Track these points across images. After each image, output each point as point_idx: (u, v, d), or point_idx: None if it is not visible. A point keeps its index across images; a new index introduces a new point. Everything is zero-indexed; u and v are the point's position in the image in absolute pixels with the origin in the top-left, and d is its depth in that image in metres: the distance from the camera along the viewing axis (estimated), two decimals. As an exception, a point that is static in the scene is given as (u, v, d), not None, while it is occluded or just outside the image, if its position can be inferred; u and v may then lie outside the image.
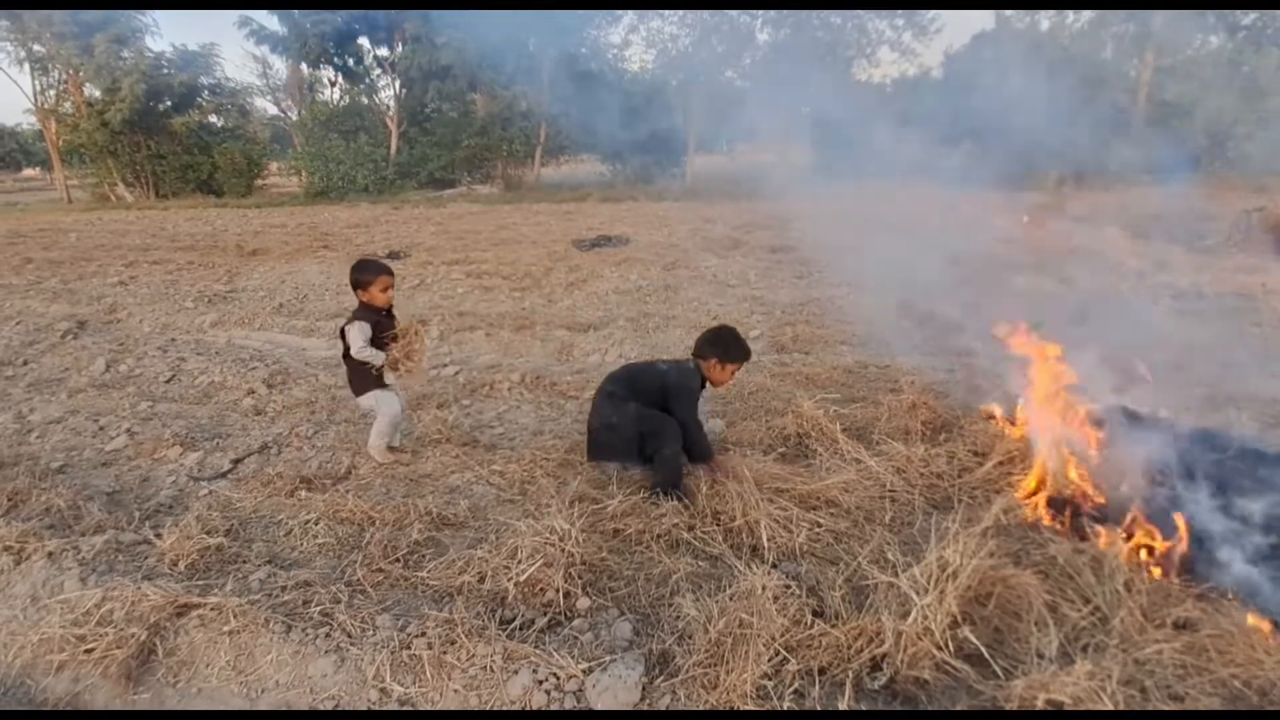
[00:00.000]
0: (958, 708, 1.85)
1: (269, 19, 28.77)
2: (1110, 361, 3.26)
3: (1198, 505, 2.47)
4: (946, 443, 3.26)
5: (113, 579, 2.29)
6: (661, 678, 1.89)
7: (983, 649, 1.94)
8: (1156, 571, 2.29)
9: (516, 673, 1.88)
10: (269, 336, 6.18)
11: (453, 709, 1.86)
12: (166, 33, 73.11)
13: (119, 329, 6.39)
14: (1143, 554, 2.35)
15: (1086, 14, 15.90)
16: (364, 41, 25.47)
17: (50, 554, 2.45)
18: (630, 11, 22.12)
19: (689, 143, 23.49)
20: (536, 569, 2.30)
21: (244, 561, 2.57)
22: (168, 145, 23.79)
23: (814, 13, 19.80)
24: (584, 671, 1.88)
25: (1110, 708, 1.71)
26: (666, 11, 20.94)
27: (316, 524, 2.79)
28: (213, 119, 26.26)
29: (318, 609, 2.19)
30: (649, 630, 2.15)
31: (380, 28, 24.55)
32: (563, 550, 2.37)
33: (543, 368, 4.95)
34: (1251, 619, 2.02)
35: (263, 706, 1.96)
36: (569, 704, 1.82)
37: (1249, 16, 17.25)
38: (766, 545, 2.54)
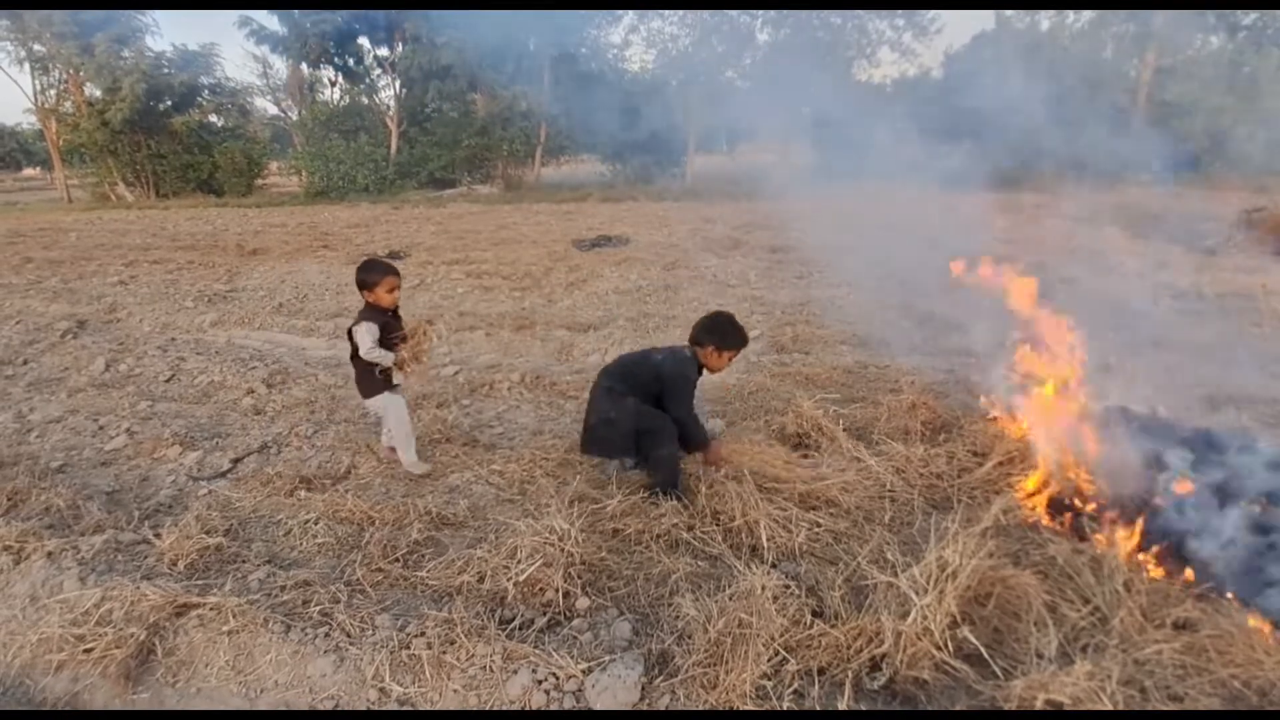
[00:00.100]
0: (957, 708, 1.85)
1: (269, 19, 28.83)
2: (1110, 360, 3.26)
3: (1195, 505, 2.47)
4: (946, 443, 3.26)
5: (112, 579, 2.29)
6: (661, 678, 1.89)
7: (982, 649, 1.94)
8: (1156, 571, 2.29)
9: (516, 673, 1.88)
10: (269, 336, 6.18)
11: (452, 709, 1.86)
12: (167, 32, 73.33)
13: (119, 328, 6.39)
14: (1141, 555, 2.35)
15: (1087, 14, 15.91)
16: (364, 41, 25.52)
17: (49, 554, 2.45)
18: (630, 11, 22.16)
19: (689, 143, 23.50)
20: (536, 569, 2.29)
21: (243, 561, 2.57)
22: (168, 145, 23.80)
23: (814, 13, 19.80)
24: (583, 671, 1.87)
25: (1110, 708, 1.71)
26: (667, 11, 20.96)
27: (316, 524, 2.79)
28: (213, 119, 26.28)
29: (317, 609, 2.19)
30: (648, 630, 2.15)
31: (380, 28, 24.55)
32: (562, 550, 2.37)
33: (542, 367, 4.95)
34: (1251, 620, 2.02)
35: (262, 706, 1.96)
36: (568, 704, 1.82)
37: (1249, 17, 17.26)
38: (766, 545, 2.54)
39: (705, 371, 3.11)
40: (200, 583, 2.37)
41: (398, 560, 2.55)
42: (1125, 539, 2.39)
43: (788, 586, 2.14)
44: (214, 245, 11.72)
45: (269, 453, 3.63)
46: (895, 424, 3.50)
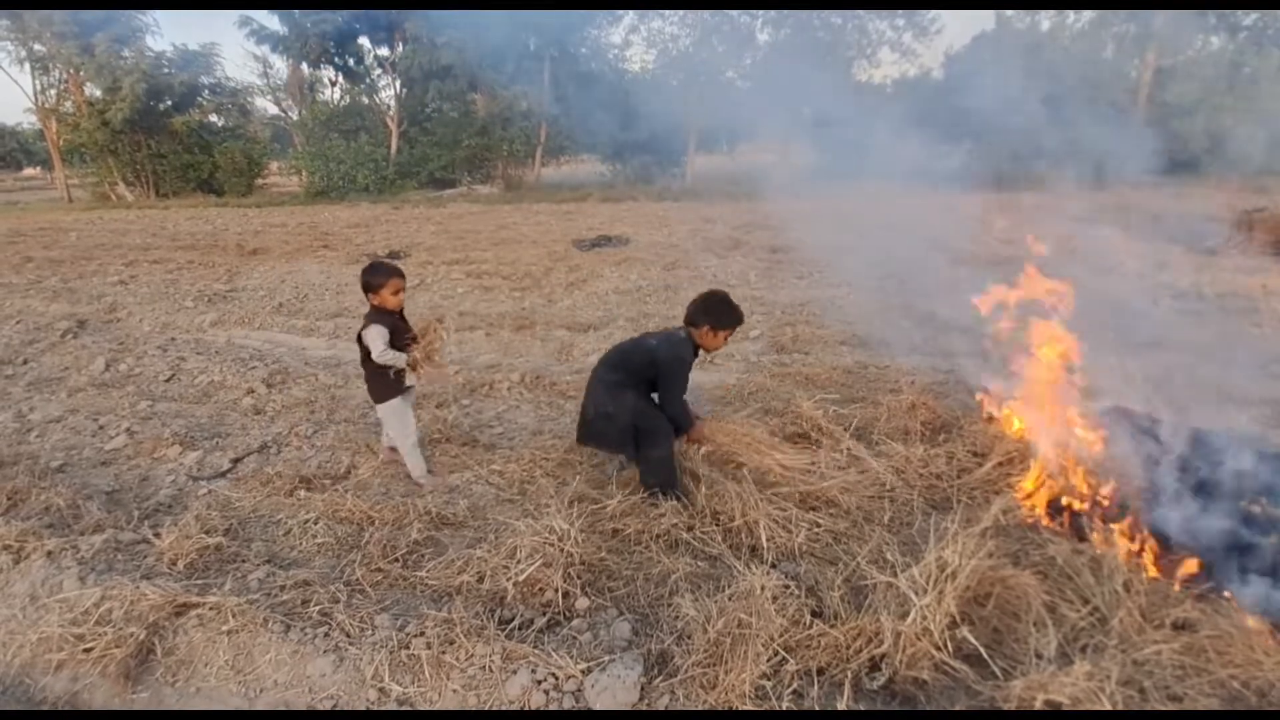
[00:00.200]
0: (956, 708, 1.85)
1: (269, 19, 28.85)
2: (1109, 361, 3.26)
3: (1194, 505, 2.47)
4: (946, 443, 3.26)
5: (112, 578, 2.30)
6: (660, 678, 1.89)
7: (981, 649, 1.94)
8: (1153, 570, 2.29)
9: (515, 673, 1.88)
10: (269, 336, 6.18)
11: (451, 709, 1.86)
12: (167, 32, 73.24)
13: (119, 328, 6.39)
14: (1140, 555, 2.35)
15: (1087, 14, 15.91)
16: (364, 41, 25.51)
17: (49, 553, 2.45)
18: (630, 11, 22.16)
19: (689, 143, 23.49)
20: (535, 569, 2.30)
21: (243, 561, 2.57)
22: (168, 144, 23.80)
23: (814, 13, 19.81)
24: (583, 671, 1.88)
25: (1109, 708, 1.71)
26: (667, 12, 20.96)
27: (315, 523, 2.79)
28: (213, 118, 26.28)
29: (316, 608, 2.19)
30: (648, 630, 2.15)
31: (381, 27, 24.54)
32: (562, 550, 2.37)
33: (542, 367, 4.95)
34: (1251, 620, 2.02)
35: (261, 706, 1.96)
36: (568, 704, 1.82)
37: (1250, 17, 17.26)
38: (765, 545, 2.54)
39: (702, 351, 3.05)
40: (200, 582, 2.37)
41: (397, 560, 2.55)
42: (1123, 539, 2.39)
43: (787, 587, 2.14)
44: (214, 245, 11.72)
45: (269, 452, 3.63)
46: (895, 424, 3.50)
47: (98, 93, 23.12)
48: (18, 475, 3.23)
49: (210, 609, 2.16)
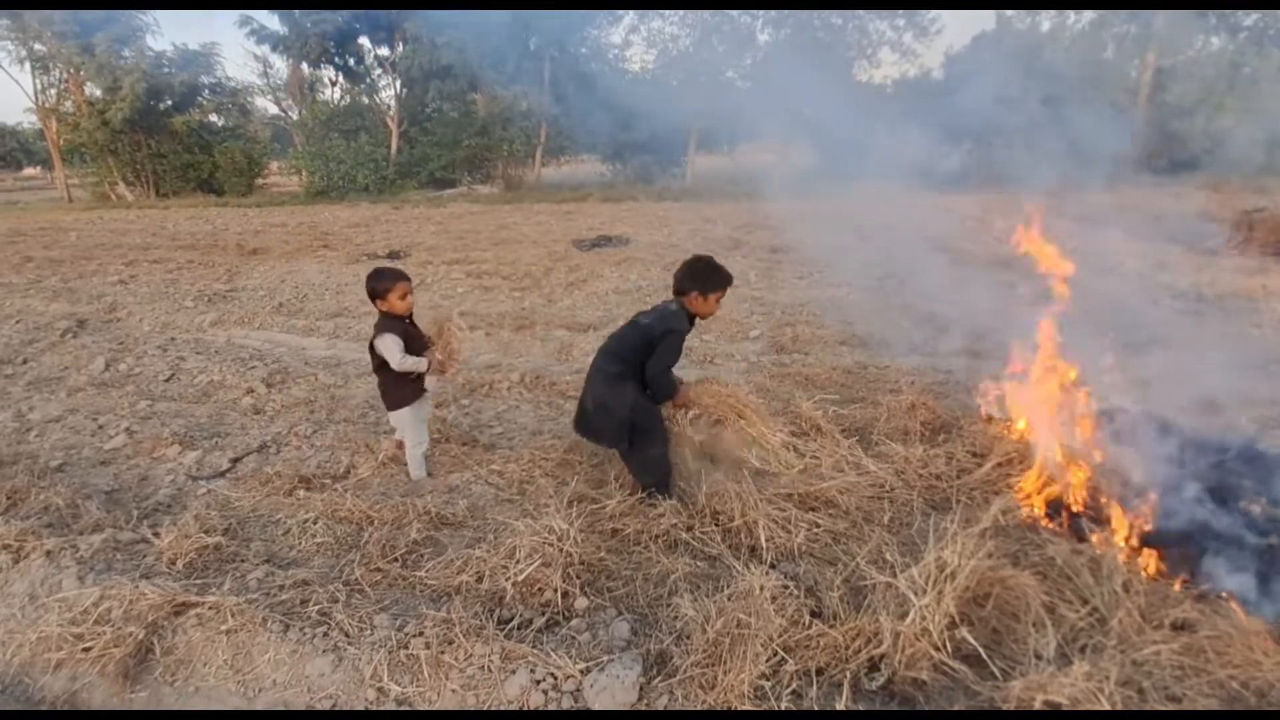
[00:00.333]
0: (955, 708, 1.85)
1: (269, 18, 28.83)
2: (1109, 361, 3.26)
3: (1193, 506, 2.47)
4: (945, 443, 3.26)
5: (111, 578, 2.30)
6: (659, 678, 1.89)
7: (980, 650, 1.94)
8: (1151, 571, 2.29)
9: (514, 672, 1.88)
10: (268, 336, 6.18)
11: (450, 709, 1.86)
12: (167, 32, 73.17)
13: (119, 328, 6.39)
14: (1138, 555, 2.35)
15: (1088, 15, 15.91)
16: (364, 41, 25.51)
17: (48, 552, 2.45)
18: (630, 11, 22.16)
19: (689, 143, 23.50)
20: (535, 569, 2.30)
21: (242, 561, 2.57)
22: (168, 144, 23.79)
23: (814, 13, 19.80)
24: (581, 671, 1.87)
25: (1108, 709, 1.71)
26: (667, 12, 20.97)
27: (315, 523, 2.79)
28: (213, 118, 26.26)
29: (315, 608, 2.19)
30: (647, 630, 2.15)
31: (381, 27, 24.54)
32: (561, 550, 2.37)
33: (542, 367, 4.95)
34: (1250, 621, 2.02)
35: (260, 706, 1.96)
36: (566, 704, 1.82)
37: (1250, 17, 17.25)
38: (765, 545, 2.54)
39: (697, 319, 3.03)
40: (199, 582, 2.37)
41: (396, 560, 2.55)
42: (1122, 539, 2.39)
43: (786, 587, 2.14)
44: (214, 245, 11.72)
45: (268, 452, 3.63)
46: (894, 424, 3.50)
47: (98, 92, 23.12)
48: (17, 475, 3.23)
49: (209, 608, 2.16)
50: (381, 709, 1.88)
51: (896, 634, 1.92)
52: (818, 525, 2.67)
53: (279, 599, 2.26)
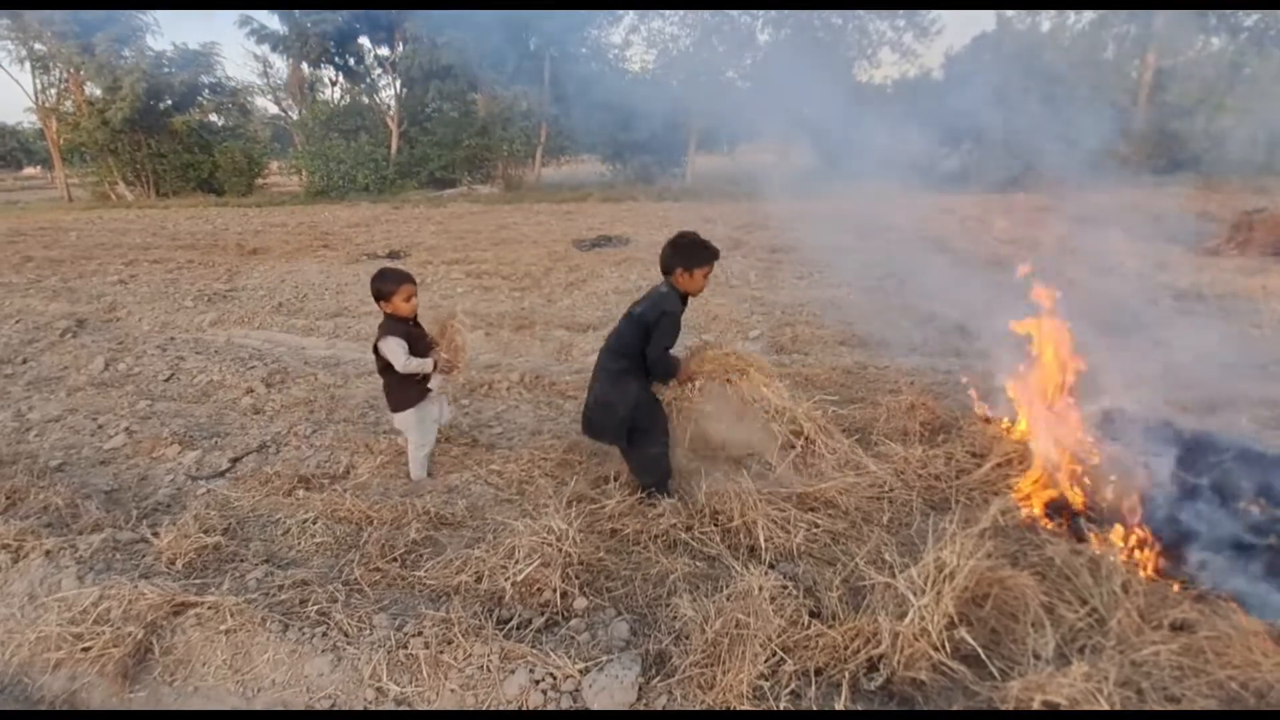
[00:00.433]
0: (954, 708, 1.85)
1: (270, 18, 28.83)
2: (1109, 361, 3.26)
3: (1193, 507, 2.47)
4: (945, 444, 3.26)
5: (110, 577, 2.30)
6: (658, 678, 1.89)
7: (979, 650, 1.94)
8: (1150, 571, 2.29)
9: (513, 672, 1.88)
10: (268, 335, 6.18)
11: (449, 709, 1.86)
12: (167, 32, 73.10)
13: (118, 327, 6.39)
14: (1138, 556, 2.35)
15: (1088, 15, 15.90)
16: (365, 41, 25.51)
17: (48, 552, 2.45)
18: (630, 11, 22.16)
19: (690, 143, 23.49)
20: (534, 569, 2.30)
21: (241, 560, 2.57)
22: (168, 144, 23.79)
23: (815, 13, 19.79)
24: (580, 671, 1.88)
25: (1106, 709, 1.71)
26: (667, 12, 20.96)
27: (314, 523, 2.80)
28: (213, 118, 26.26)
29: (315, 608, 2.20)
30: (646, 630, 2.15)
31: (381, 27, 24.55)
32: (560, 550, 2.37)
33: (542, 367, 4.95)
34: (1249, 621, 2.02)
35: (259, 706, 1.96)
36: (565, 704, 1.82)
37: (1251, 18, 17.25)
38: (764, 545, 2.54)
39: (689, 296, 3.00)
40: (198, 582, 2.37)
41: (395, 560, 2.55)
42: (1121, 540, 2.39)
43: (785, 587, 2.14)
44: (214, 244, 11.72)
45: (267, 452, 3.63)
46: (894, 425, 3.50)
47: (98, 92, 23.11)
48: (16, 474, 3.23)
49: (208, 608, 2.16)
50: (381, 709, 1.88)
51: (895, 634, 1.92)
52: (817, 525, 2.67)
53: (278, 599, 2.26)
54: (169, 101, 23.83)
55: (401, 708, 1.88)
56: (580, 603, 2.26)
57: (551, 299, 7.13)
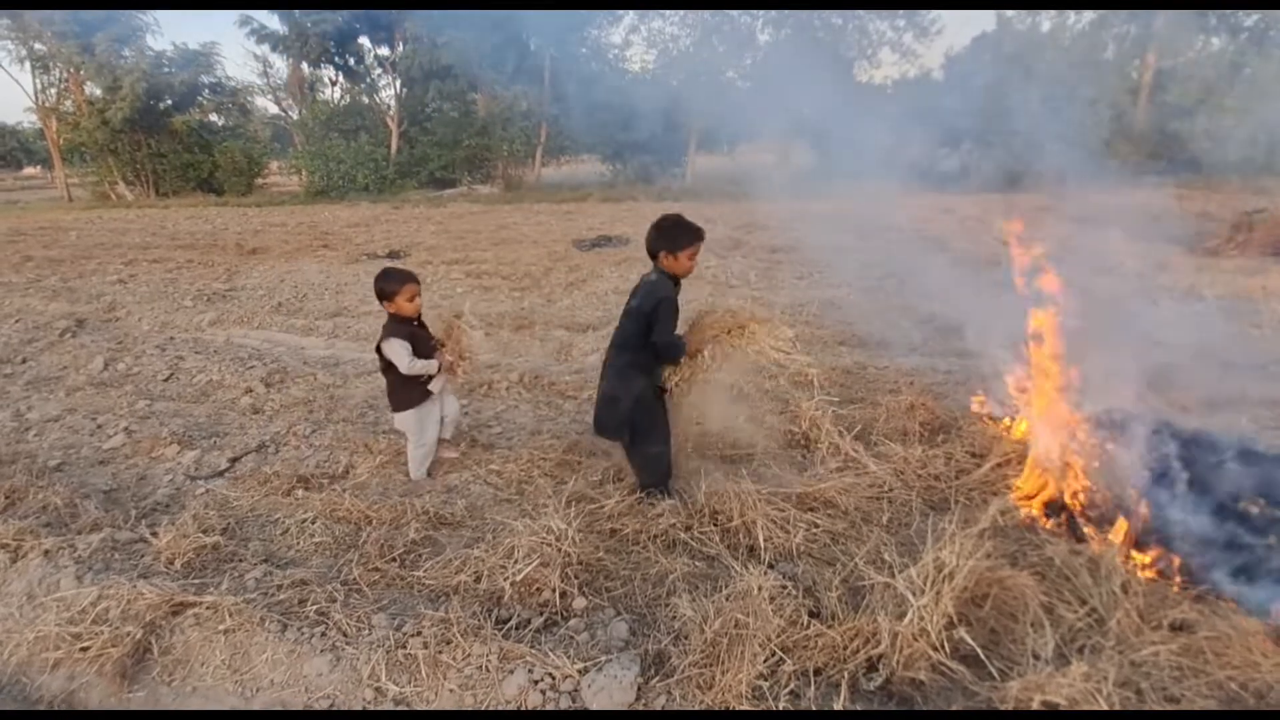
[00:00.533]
0: (953, 708, 1.85)
1: (270, 18, 28.81)
2: (1109, 362, 3.25)
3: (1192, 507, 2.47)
4: (944, 444, 3.26)
5: (109, 577, 2.30)
6: (657, 678, 1.89)
7: (979, 650, 1.94)
8: (1148, 571, 2.28)
9: (512, 672, 1.88)
10: (267, 335, 6.18)
11: (448, 708, 1.86)
12: (167, 32, 73.11)
13: (118, 327, 6.39)
14: (1135, 556, 2.34)
15: (1088, 15, 15.90)
16: (365, 41, 25.51)
17: (47, 552, 2.45)
18: (630, 11, 22.15)
19: (690, 143, 23.48)
20: (533, 569, 2.29)
21: (240, 560, 2.57)
22: (168, 144, 23.79)
23: (815, 13, 19.78)
24: (580, 671, 1.87)
25: (1106, 709, 1.71)
26: (667, 12, 20.95)
27: (313, 523, 2.79)
28: (213, 118, 26.27)
29: (314, 608, 2.19)
30: (645, 630, 2.15)
31: (381, 27, 24.55)
32: (559, 550, 2.37)
33: (541, 367, 4.95)
34: (1248, 621, 2.02)
35: (258, 705, 1.96)
36: (564, 704, 1.82)
37: (1251, 18, 17.25)
38: (763, 545, 2.54)
39: (680, 279, 2.97)
40: (197, 582, 2.37)
41: (394, 560, 2.55)
42: (1121, 540, 2.39)
43: (785, 587, 2.14)
44: (213, 244, 11.72)
45: (267, 452, 3.63)
46: (894, 425, 3.50)
47: (98, 92, 23.11)
48: (15, 474, 3.23)
49: (207, 608, 2.16)
50: (379, 709, 1.88)
51: (894, 634, 1.92)
52: (816, 525, 2.67)
53: (277, 599, 2.26)
54: (169, 101, 23.83)
55: (400, 708, 1.88)
56: (579, 603, 2.26)
57: (551, 299, 7.13)
